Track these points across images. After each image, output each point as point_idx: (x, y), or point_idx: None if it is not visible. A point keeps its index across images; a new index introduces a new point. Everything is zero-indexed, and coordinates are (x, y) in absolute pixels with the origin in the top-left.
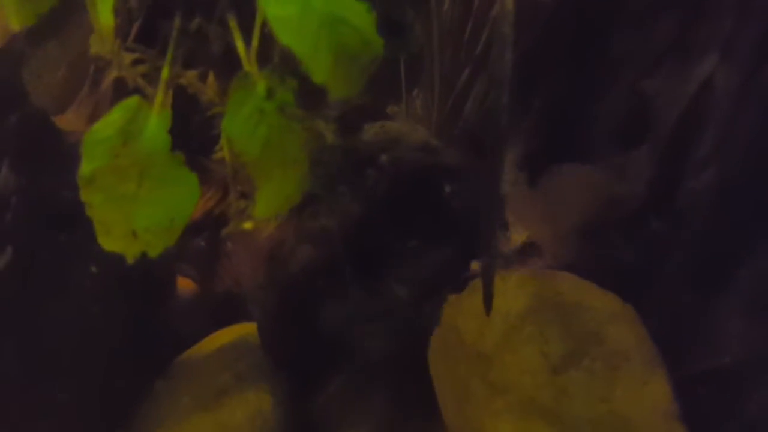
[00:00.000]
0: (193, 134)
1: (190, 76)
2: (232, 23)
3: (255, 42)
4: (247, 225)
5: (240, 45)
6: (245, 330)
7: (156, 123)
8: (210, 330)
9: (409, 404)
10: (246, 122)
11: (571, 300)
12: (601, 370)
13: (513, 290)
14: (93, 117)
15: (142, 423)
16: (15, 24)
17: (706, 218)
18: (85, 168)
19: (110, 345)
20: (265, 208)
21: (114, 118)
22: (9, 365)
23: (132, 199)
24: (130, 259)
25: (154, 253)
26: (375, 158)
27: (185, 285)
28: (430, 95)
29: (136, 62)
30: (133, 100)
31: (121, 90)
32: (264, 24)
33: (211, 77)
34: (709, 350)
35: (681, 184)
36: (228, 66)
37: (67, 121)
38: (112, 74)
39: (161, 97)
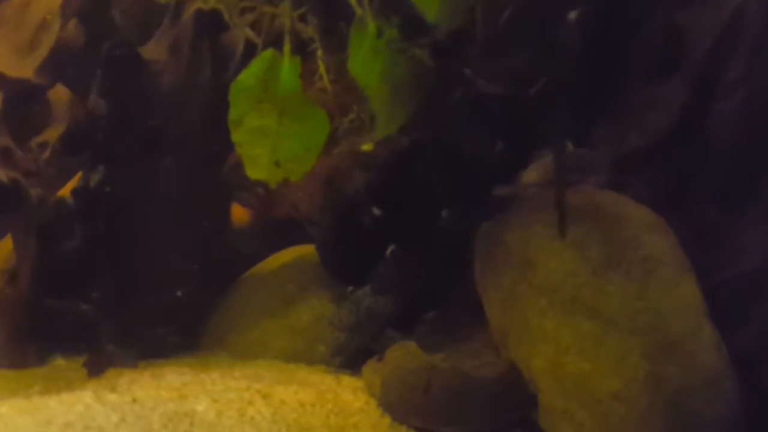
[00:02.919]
0: None
1: (294, 18)
2: None
3: None
4: (367, 146)
5: None
6: (305, 250)
7: (288, 69)
8: (271, 251)
9: (457, 310)
10: (364, 61)
11: (609, 212)
12: (637, 272)
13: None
14: (173, 48)
15: (216, 327)
16: None
17: (733, 136)
18: (234, 113)
19: (183, 259)
20: (383, 130)
21: (254, 69)
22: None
23: (274, 135)
24: (272, 185)
25: (295, 178)
26: (462, 75)
27: (242, 213)
28: (473, 34)
29: (243, 11)
30: (268, 53)
31: (200, 23)
32: None
33: (311, 17)
34: (733, 258)
35: (711, 106)
36: (324, 7)
37: (149, 51)
38: (192, 7)
39: (289, 46)
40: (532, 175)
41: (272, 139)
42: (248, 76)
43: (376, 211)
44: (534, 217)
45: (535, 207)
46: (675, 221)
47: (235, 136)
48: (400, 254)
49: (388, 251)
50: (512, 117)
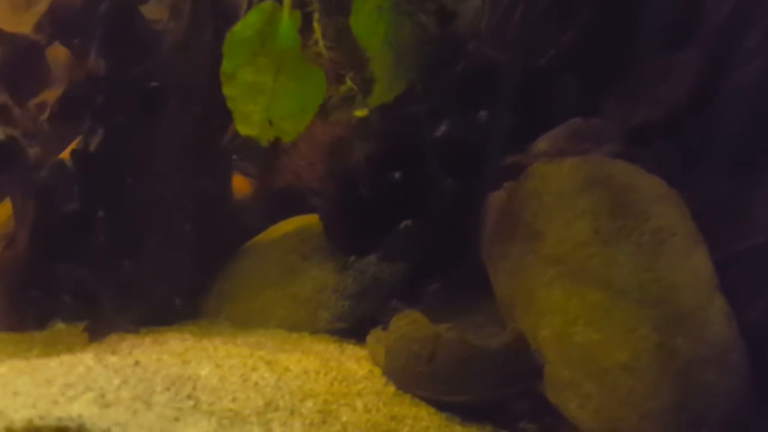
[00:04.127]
0: None
1: None
2: None
3: None
4: (360, 113)
5: None
6: (307, 220)
7: (288, 23)
8: (272, 221)
9: (460, 282)
10: (368, 20)
11: (620, 182)
12: (648, 243)
13: (567, 173)
14: (174, 7)
15: (218, 296)
16: None
17: (749, 107)
18: (227, 65)
19: (183, 225)
20: (381, 96)
21: (252, 20)
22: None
23: (269, 92)
24: (264, 143)
25: (287, 138)
26: (464, 47)
27: (244, 183)
28: (481, 5)
29: None
30: (267, 4)
31: None
32: None
33: None
34: (745, 231)
35: (727, 76)
36: None
37: (150, 10)
38: None
39: None
40: (541, 145)
41: (267, 96)
42: (245, 27)
43: (396, 176)
44: (543, 187)
45: (544, 177)
46: (687, 193)
47: (228, 90)
48: (408, 224)
49: (402, 225)
50: (521, 86)
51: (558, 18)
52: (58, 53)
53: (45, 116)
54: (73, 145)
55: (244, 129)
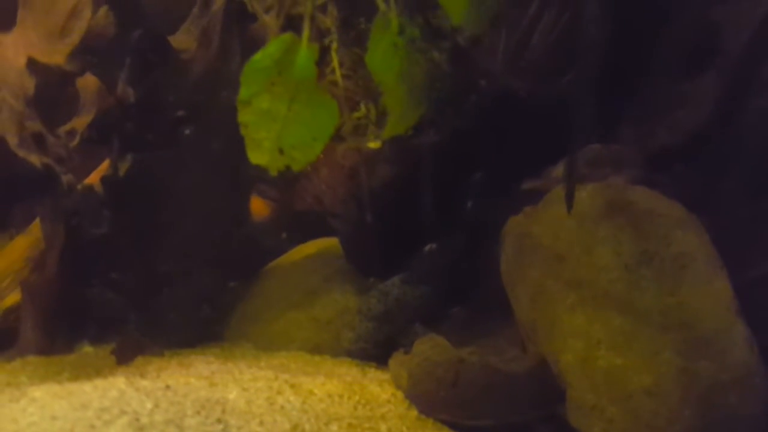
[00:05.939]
0: None
1: (311, 7)
2: None
3: None
4: (374, 144)
5: None
6: (328, 242)
7: (305, 55)
8: (291, 244)
9: (481, 305)
10: (383, 56)
11: (642, 207)
12: (669, 268)
13: (588, 198)
14: (203, 37)
15: (240, 318)
16: None
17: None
18: (244, 93)
19: (207, 249)
20: (393, 129)
21: (271, 50)
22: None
23: (282, 120)
24: (273, 172)
25: (297, 167)
26: (477, 84)
27: (262, 206)
28: (497, 32)
29: None
30: (287, 36)
31: (229, 13)
32: None
33: (331, 8)
34: (765, 255)
35: (747, 103)
36: None
37: (179, 40)
38: None
39: (308, 31)
40: (561, 170)
41: (279, 124)
42: (264, 57)
43: (417, 201)
44: (564, 211)
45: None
46: (707, 218)
47: (242, 116)
48: (432, 248)
49: (426, 248)
50: (538, 113)
51: (576, 43)
52: (88, 81)
53: (75, 143)
54: (100, 170)
55: (255, 156)
